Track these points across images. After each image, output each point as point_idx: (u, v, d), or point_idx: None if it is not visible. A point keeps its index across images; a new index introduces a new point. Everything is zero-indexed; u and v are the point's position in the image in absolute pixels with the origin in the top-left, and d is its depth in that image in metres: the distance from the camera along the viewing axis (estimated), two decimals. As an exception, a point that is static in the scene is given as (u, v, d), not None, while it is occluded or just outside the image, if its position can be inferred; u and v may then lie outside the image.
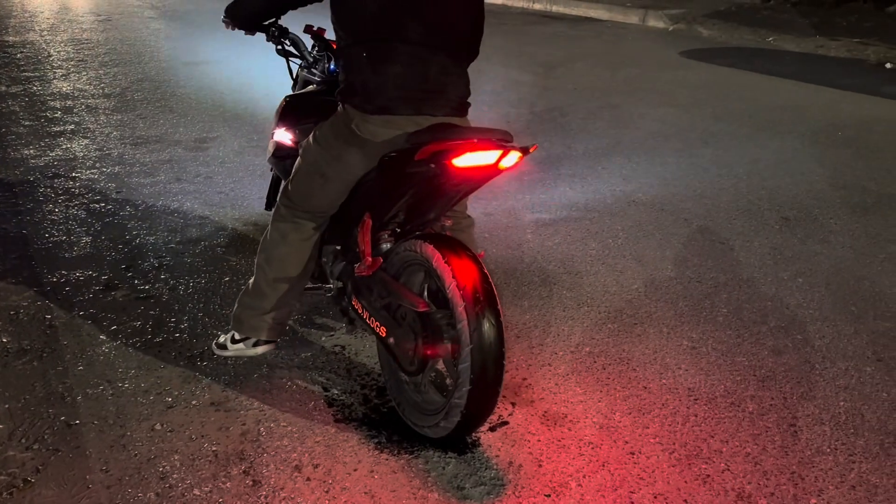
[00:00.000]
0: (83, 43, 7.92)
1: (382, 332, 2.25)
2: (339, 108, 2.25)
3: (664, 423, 2.34)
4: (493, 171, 2.03)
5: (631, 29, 9.90)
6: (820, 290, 3.24)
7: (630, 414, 2.38)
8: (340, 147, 2.22)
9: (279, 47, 2.79)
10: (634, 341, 2.80)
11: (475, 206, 3.98)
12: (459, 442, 2.19)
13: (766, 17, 9.95)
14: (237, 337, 2.47)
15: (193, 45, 7.96)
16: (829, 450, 2.25)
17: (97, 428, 2.24)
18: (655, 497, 2.04)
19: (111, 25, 9.12)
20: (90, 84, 6.24)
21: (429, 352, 2.15)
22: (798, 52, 8.57)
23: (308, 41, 2.84)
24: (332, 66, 2.69)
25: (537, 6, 11.61)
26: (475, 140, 1.96)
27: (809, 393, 2.52)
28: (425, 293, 2.19)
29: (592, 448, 2.22)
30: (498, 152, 1.97)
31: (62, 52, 7.38)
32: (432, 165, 2.00)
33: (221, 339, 2.55)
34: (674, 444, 2.25)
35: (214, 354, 2.56)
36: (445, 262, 2.01)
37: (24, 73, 6.46)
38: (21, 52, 7.27)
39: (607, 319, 2.95)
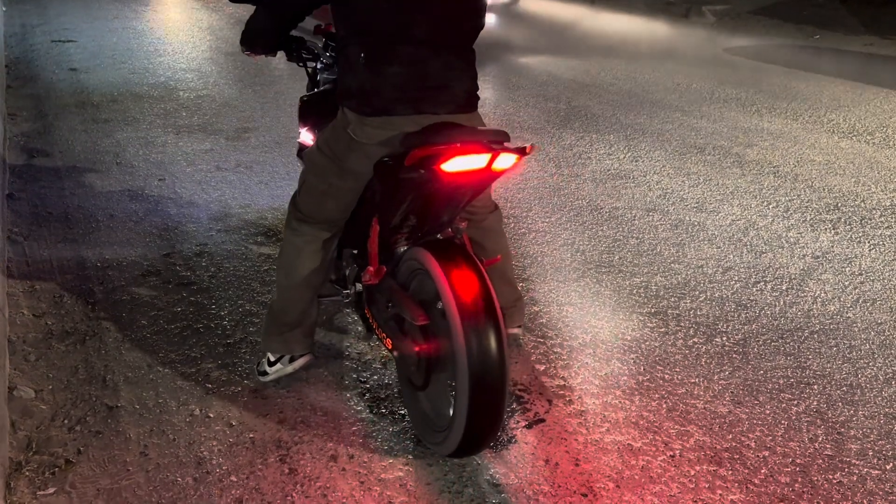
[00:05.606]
0: (129, 31, 8.04)
1: (388, 343, 2.19)
2: (339, 111, 2.15)
3: (706, 426, 2.29)
4: (488, 173, 1.91)
5: (674, 24, 9.74)
6: (869, 294, 3.14)
7: (670, 416, 2.33)
8: (342, 153, 2.13)
9: (300, 63, 2.74)
10: (676, 342, 2.75)
11: (515, 204, 3.95)
12: (466, 458, 2.10)
13: (812, 13, 9.72)
14: (272, 358, 2.40)
15: (236, 35, 8.03)
16: (877, 459, 2.19)
17: (137, 412, 2.27)
18: (696, 502, 2.00)
19: (156, 16, 9.25)
20: (135, 73, 6.33)
21: (431, 366, 2.06)
22: (845, 49, 8.35)
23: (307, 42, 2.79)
24: None
25: None
26: (459, 144, 1.84)
27: (856, 399, 2.45)
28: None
29: (631, 450, 2.18)
30: (487, 155, 1.86)
31: (109, 42, 7.50)
32: (422, 171, 1.91)
33: (262, 367, 2.43)
34: (716, 448, 2.20)
35: (260, 381, 2.43)
36: (442, 272, 1.91)
37: (72, 63, 6.58)
38: (70, 42, 7.41)
39: (648, 319, 2.89)
